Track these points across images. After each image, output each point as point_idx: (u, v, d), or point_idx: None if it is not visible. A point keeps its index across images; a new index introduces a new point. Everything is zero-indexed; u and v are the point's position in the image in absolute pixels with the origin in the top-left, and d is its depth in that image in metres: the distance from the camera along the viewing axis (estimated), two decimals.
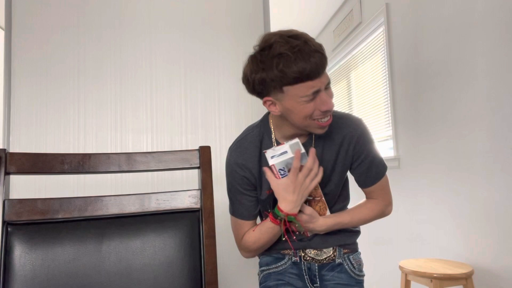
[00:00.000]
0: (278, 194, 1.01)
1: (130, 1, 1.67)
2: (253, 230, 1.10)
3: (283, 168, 1.02)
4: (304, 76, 0.90)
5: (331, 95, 0.98)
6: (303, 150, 1.01)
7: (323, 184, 1.09)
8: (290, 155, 1.00)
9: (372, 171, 1.11)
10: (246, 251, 1.13)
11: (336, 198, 1.14)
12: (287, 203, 1.00)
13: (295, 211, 1.01)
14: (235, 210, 1.13)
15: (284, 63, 0.90)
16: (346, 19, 3.57)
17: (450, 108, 2.11)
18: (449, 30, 2.11)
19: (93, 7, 1.63)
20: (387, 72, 2.85)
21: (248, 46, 1.79)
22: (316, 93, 0.93)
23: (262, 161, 1.08)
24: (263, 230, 1.07)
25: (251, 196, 1.10)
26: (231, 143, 1.15)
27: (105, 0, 1.65)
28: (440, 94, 2.20)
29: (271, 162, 1.01)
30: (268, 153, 1.02)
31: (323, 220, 1.06)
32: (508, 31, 1.71)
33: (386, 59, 2.85)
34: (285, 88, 0.93)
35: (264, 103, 1.01)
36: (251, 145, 1.09)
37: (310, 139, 1.09)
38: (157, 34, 1.67)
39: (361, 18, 3.25)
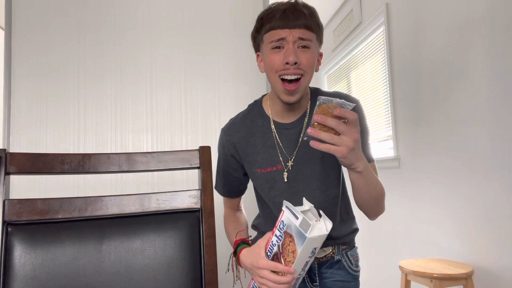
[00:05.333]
0: (251, 248, 0.99)
1: (131, 1, 1.67)
2: (229, 217, 1.19)
3: (277, 241, 0.88)
4: (274, 23, 0.95)
5: (302, 55, 0.94)
6: (320, 234, 0.81)
7: (322, 176, 1.04)
8: (297, 223, 0.82)
9: (366, 149, 1.05)
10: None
11: (338, 199, 1.09)
12: (245, 258, 0.99)
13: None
14: (217, 185, 1.20)
15: (265, 11, 0.99)
16: (346, 19, 3.57)
17: (450, 108, 2.11)
18: (449, 30, 2.11)
19: (93, 7, 1.63)
20: (387, 72, 2.85)
21: (248, 46, 1.79)
22: (282, 41, 0.95)
23: (250, 138, 1.07)
24: (229, 228, 1.16)
25: (233, 175, 1.14)
26: None
27: (106, 0, 1.65)
28: (440, 94, 2.20)
29: (283, 207, 0.89)
30: (288, 203, 0.88)
31: (365, 163, 0.90)
32: (508, 31, 1.71)
33: (386, 59, 2.85)
34: (264, 37, 0.99)
35: (257, 59, 1.07)
36: (239, 121, 1.11)
37: (303, 117, 1.05)
38: (157, 34, 1.67)
39: (361, 18, 3.25)
